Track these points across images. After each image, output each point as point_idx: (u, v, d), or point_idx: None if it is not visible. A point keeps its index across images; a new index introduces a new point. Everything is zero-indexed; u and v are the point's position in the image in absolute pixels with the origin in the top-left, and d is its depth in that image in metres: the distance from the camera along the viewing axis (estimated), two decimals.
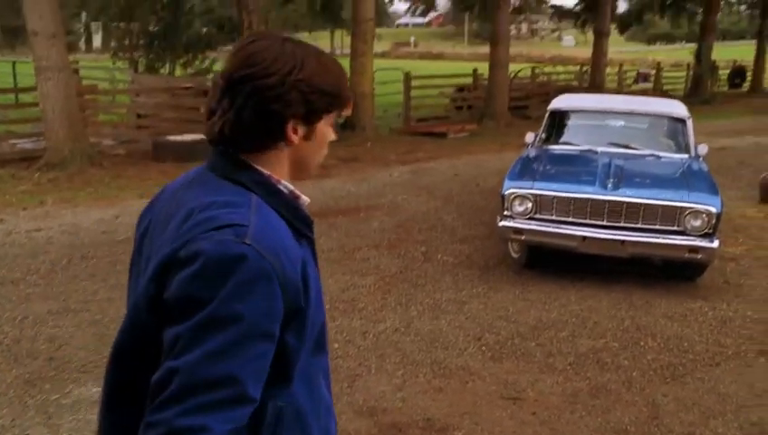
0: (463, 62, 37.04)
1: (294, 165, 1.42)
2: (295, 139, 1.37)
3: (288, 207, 1.38)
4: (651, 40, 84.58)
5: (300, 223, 1.39)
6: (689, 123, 7.70)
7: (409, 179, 11.16)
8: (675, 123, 7.78)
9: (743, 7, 34.39)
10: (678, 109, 8.01)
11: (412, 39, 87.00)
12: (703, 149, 7.51)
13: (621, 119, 8.04)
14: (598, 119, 8.13)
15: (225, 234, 1.22)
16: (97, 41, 33.90)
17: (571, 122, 8.16)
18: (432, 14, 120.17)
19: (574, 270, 6.74)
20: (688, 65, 28.46)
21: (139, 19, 20.17)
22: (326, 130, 1.44)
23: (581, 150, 7.46)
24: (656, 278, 6.74)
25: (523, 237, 6.53)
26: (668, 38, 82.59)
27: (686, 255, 6.17)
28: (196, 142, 12.57)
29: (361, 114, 15.14)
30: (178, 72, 20.43)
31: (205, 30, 21.80)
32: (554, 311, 5.87)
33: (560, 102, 8.41)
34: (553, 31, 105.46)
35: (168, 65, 20.52)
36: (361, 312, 5.79)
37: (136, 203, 9.33)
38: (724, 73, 31.88)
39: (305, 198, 1.46)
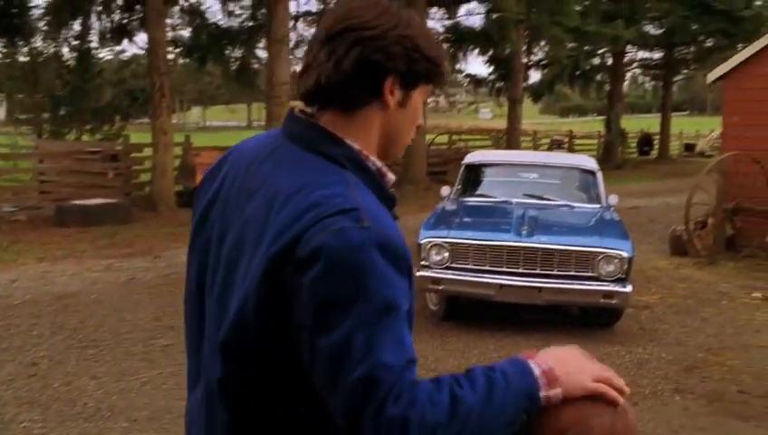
0: None
1: (384, 137, 1.34)
2: (391, 101, 1.29)
3: (375, 186, 1.29)
4: (564, 112, 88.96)
5: (385, 202, 1.29)
6: (599, 175, 8.03)
7: None
8: (585, 175, 8.10)
9: (647, 78, 36.53)
10: (588, 162, 8.37)
11: None
12: (613, 199, 7.82)
13: (534, 171, 8.31)
14: (512, 172, 8.38)
15: (342, 221, 1.14)
16: (1, 113, 33.09)
17: (486, 175, 8.38)
18: None
19: (494, 319, 6.81)
20: (599, 133, 29.90)
21: (45, 83, 19.81)
22: (419, 104, 1.35)
23: (496, 202, 7.65)
24: (574, 326, 6.88)
25: (440, 287, 6.57)
26: (581, 111, 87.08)
27: (601, 300, 6.34)
28: (101, 206, 12.28)
29: None
30: (86, 138, 20.05)
31: (114, 96, 21.54)
32: (473, 359, 5.87)
33: (475, 157, 8.64)
34: (471, 104, 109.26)
35: (74, 131, 20.12)
36: None
37: (35, 267, 8.98)
38: (633, 141, 33.60)
39: (391, 176, 1.37)
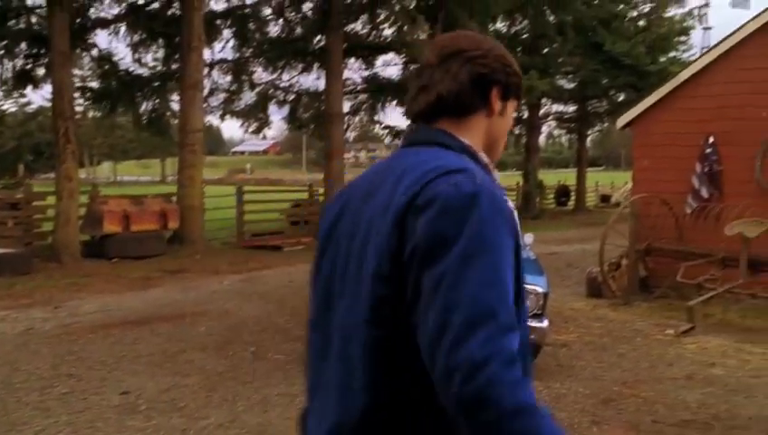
0: (302, 187, 37.64)
1: (488, 142, 1.57)
2: (497, 107, 1.55)
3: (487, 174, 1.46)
4: None
5: None
6: (516, 214, 8.19)
7: (242, 287, 10.97)
8: None
9: (563, 132, 37.98)
10: None
11: (248, 166, 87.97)
12: (529, 238, 7.99)
13: None
14: None
15: (457, 177, 1.33)
16: None
17: None
18: (269, 142, 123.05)
19: None
20: (518, 184, 30.78)
21: None
22: (510, 115, 1.61)
23: None
24: None
25: None
26: (501, 165, 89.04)
27: None
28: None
29: (190, 227, 14.90)
30: None
31: (18, 146, 20.88)
32: None
33: None
34: None
35: None
36: (182, 410, 5.47)
37: None
38: (551, 193, 34.68)
39: (497, 173, 1.58)
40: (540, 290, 6.42)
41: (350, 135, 31.26)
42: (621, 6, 27.61)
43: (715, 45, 11.32)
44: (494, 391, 1.16)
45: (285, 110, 22.98)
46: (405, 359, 1.32)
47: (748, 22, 10.84)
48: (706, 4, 26.21)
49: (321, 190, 19.26)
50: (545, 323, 6.42)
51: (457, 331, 1.18)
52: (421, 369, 1.27)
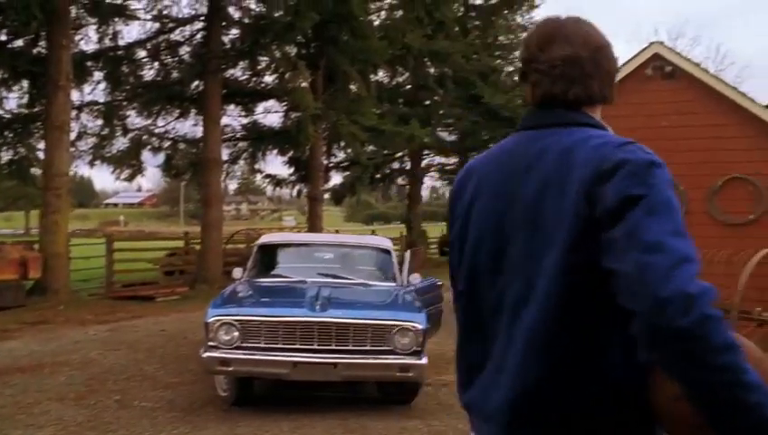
0: (179, 241, 36.59)
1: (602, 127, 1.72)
2: (613, 96, 1.74)
3: None
4: (369, 220, 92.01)
5: None
6: (394, 254, 8.28)
7: (108, 337, 10.45)
8: (381, 254, 8.31)
9: (445, 184, 38.99)
10: (383, 242, 8.62)
11: (122, 218, 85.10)
12: (415, 278, 8.07)
13: (330, 251, 8.42)
14: (307, 252, 8.42)
15: (631, 146, 1.51)
16: None
17: (281, 256, 8.36)
18: (144, 194, 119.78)
19: (288, 400, 6.64)
20: (401, 234, 31.19)
21: None
22: None
23: (291, 281, 7.60)
24: (372, 402, 6.87)
25: (230, 369, 6.32)
26: (385, 218, 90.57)
27: (398, 374, 6.40)
28: None
29: (54, 276, 14.17)
30: None
31: None
32: None
33: (269, 237, 8.62)
34: (274, 211, 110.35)
35: None
36: None
37: None
38: (434, 243, 35.33)
39: None
40: (419, 327, 6.45)
41: (231, 186, 30.92)
42: (498, 61, 28.94)
43: None
44: (708, 326, 1.26)
45: (161, 157, 22.43)
46: (586, 326, 1.48)
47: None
48: None
49: (198, 239, 18.80)
50: (424, 361, 6.43)
51: (666, 268, 1.31)
52: (601, 334, 1.48)
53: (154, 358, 8.88)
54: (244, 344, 6.30)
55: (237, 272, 8.05)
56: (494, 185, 1.67)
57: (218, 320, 6.32)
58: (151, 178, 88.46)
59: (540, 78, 1.69)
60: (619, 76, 11.15)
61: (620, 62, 11.08)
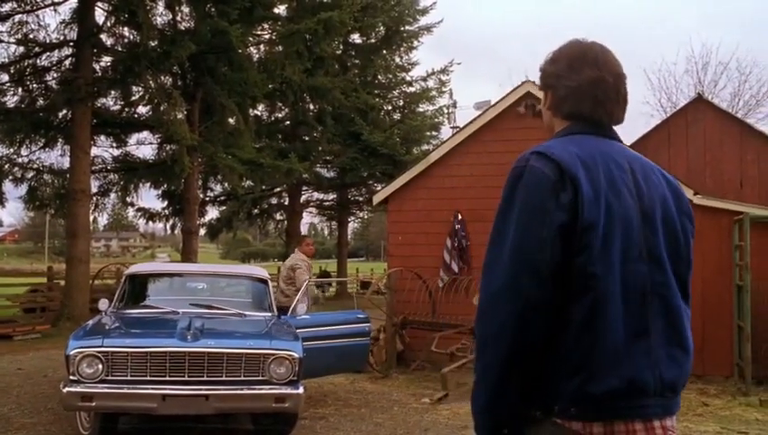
0: (42, 277, 34.45)
1: None
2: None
3: None
4: (246, 258, 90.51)
5: None
6: (270, 284, 8.12)
7: None
8: (257, 284, 8.13)
9: (324, 220, 39.02)
10: (259, 271, 8.45)
11: None
12: (302, 308, 7.92)
13: (203, 281, 8.15)
14: (179, 282, 8.13)
15: None
16: None
17: (152, 286, 8.02)
18: (5, 230, 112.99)
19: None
20: (278, 269, 30.77)
21: None
22: None
23: (161, 312, 7.28)
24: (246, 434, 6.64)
25: (92, 404, 5.94)
26: (263, 256, 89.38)
27: (273, 404, 6.20)
28: None
29: None
30: None
31: None
32: None
33: (139, 267, 8.26)
34: (146, 248, 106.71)
35: None
36: None
37: None
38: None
39: None
40: (296, 355, 6.31)
41: (101, 221, 29.66)
42: (377, 99, 29.37)
43: (461, 129, 12.33)
44: None
45: (23, 188, 21.17)
46: None
47: (488, 108, 11.97)
48: (454, 104, 28.69)
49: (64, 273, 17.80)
50: (301, 390, 6.28)
51: None
52: None
53: (8, 398, 8.26)
54: (110, 378, 5.94)
55: (103, 304, 7.63)
56: (617, 183, 1.81)
57: (80, 352, 5.94)
58: (13, 211, 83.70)
59: None
60: (494, 113, 11.58)
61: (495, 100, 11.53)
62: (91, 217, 22.38)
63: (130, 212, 28.03)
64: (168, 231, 27.31)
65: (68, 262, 17.29)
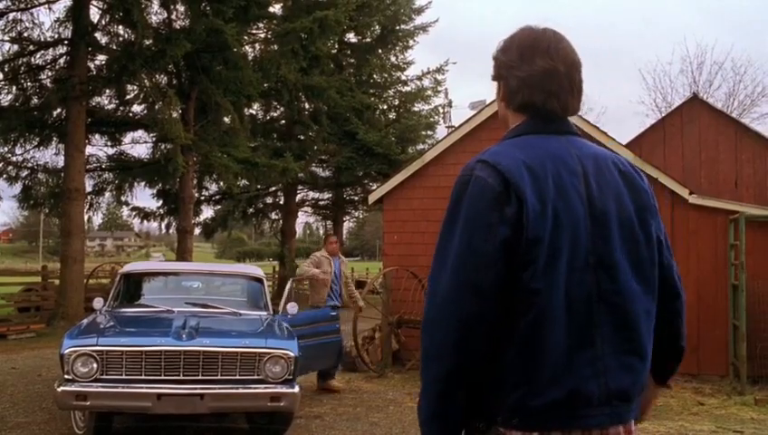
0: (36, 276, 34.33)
1: None
2: None
3: None
4: (241, 257, 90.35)
5: None
6: (266, 283, 8.11)
7: None
8: (252, 283, 8.11)
9: (319, 219, 38.98)
10: (254, 270, 8.43)
11: None
12: (292, 308, 7.91)
13: (199, 280, 8.13)
14: (174, 281, 8.11)
15: None
16: None
17: (147, 285, 8.00)
18: None
19: (152, 434, 6.29)
20: (274, 268, 30.78)
21: None
22: None
23: (156, 311, 7.27)
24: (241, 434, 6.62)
25: (87, 403, 5.91)
26: (258, 255, 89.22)
27: (269, 403, 6.19)
28: None
29: None
30: None
31: None
32: None
33: (133, 266, 8.24)
34: (141, 248, 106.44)
35: None
36: None
37: None
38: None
39: None
40: (291, 354, 6.30)
41: (96, 220, 29.60)
42: (373, 99, 29.33)
43: (457, 128, 12.32)
44: None
45: (18, 187, 21.11)
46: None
47: (483, 108, 11.97)
48: (450, 104, 28.64)
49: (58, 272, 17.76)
50: (296, 389, 6.27)
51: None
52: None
53: (3, 397, 8.24)
54: (104, 377, 5.93)
55: (98, 302, 7.61)
56: (565, 180, 1.77)
57: (75, 351, 5.93)
58: (7, 210, 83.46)
59: None
60: (489, 112, 11.57)
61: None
62: (86, 217, 22.34)
63: (125, 211, 27.89)
64: (163, 230, 27.25)
65: (62, 261, 17.25)
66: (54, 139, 20.04)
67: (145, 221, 26.25)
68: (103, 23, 18.80)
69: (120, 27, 18.87)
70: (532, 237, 1.65)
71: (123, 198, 23.80)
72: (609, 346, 1.72)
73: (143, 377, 5.97)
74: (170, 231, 26.93)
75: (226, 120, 21.35)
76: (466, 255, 1.66)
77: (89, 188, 21.12)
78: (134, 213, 26.11)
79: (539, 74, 1.84)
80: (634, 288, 1.76)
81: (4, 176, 20.48)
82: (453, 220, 1.72)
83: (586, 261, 1.71)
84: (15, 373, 9.84)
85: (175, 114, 18.94)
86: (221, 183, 25.25)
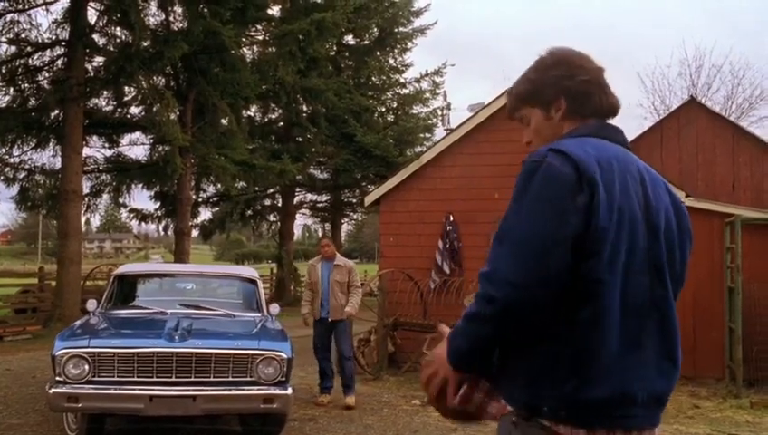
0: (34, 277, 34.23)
1: None
2: None
3: None
4: (240, 259, 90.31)
5: None
6: (260, 284, 8.08)
7: None
8: (246, 284, 8.09)
9: (317, 221, 38.90)
10: (249, 271, 8.40)
11: None
12: (275, 309, 7.87)
13: (192, 281, 8.11)
14: (168, 283, 8.09)
15: None
16: None
17: (140, 287, 7.98)
18: None
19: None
20: (272, 270, 30.72)
21: None
22: None
23: (150, 313, 7.24)
24: None
25: (78, 405, 5.89)
26: (256, 257, 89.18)
27: (262, 405, 6.16)
28: None
29: None
30: None
31: None
32: None
33: (127, 268, 8.23)
34: (140, 250, 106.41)
35: None
36: None
37: None
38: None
39: None
40: (284, 356, 6.28)
41: (94, 222, 29.57)
42: (371, 101, 29.31)
43: (454, 130, 12.29)
44: None
45: (15, 188, 21.07)
46: None
47: (480, 110, 11.94)
48: (448, 106, 28.59)
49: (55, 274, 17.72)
50: (289, 391, 6.25)
51: None
52: None
53: None
54: (96, 378, 5.90)
55: (91, 304, 7.57)
56: (626, 193, 1.79)
57: (66, 353, 5.90)
58: (6, 212, 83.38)
59: None
60: (487, 114, 11.54)
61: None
62: (84, 218, 22.34)
63: (123, 213, 27.87)
64: (161, 232, 27.18)
65: (59, 263, 17.21)
66: (52, 140, 20.01)
67: (143, 223, 26.21)
68: (101, 24, 18.78)
69: (118, 29, 18.84)
70: (601, 228, 1.68)
71: (121, 200, 23.76)
72: (653, 350, 1.76)
73: (135, 379, 5.94)
74: (168, 233, 26.88)
75: (224, 121, 21.34)
76: (534, 239, 1.66)
77: (86, 190, 21.12)
78: (132, 215, 26.09)
79: (597, 75, 1.96)
80: (672, 299, 1.84)
81: (2, 177, 20.45)
82: (520, 204, 1.72)
83: (642, 264, 1.76)
84: (10, 375, 9.81)
85: (172, 116, 18.94)
86: (219, 185, 25.24)
